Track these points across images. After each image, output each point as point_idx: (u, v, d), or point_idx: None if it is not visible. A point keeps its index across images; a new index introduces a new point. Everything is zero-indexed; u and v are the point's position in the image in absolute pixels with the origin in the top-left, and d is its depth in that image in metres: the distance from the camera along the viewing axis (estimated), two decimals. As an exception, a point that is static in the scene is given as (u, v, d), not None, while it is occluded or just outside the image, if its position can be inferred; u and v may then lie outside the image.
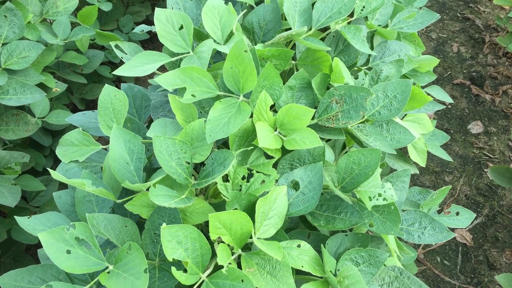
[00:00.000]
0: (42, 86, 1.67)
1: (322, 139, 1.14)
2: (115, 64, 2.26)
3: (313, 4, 1.30)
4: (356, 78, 1.45)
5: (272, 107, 1.17)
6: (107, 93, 1.15)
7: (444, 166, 2.28)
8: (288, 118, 1.05)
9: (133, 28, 2.27)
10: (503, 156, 2.32)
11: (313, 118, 1.15)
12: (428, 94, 1.79)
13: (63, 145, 1.17)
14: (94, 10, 1.84)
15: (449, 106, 2.54)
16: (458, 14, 3.04)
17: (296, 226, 1.20)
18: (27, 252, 1.85)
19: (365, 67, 1.48)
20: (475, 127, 2.44)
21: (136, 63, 1.15)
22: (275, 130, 1.07)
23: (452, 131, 2.45)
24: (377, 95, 1.23)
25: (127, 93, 1.37)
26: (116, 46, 1.23)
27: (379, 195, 0.97)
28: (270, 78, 1.09)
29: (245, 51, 1.02)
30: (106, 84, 1.16)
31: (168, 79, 1.05)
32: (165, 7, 1.38)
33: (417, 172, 1.52)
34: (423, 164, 1.55)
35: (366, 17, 1.49)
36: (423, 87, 1.74)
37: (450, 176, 2.25)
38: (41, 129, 1.71)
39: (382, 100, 1.23)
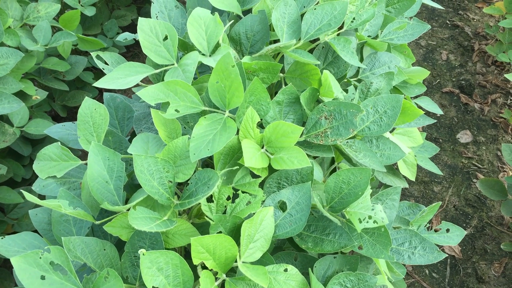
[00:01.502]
0: (21, 93, 1.61)
1: (310, 156, 1.11)
2: (99, 69, 2.20)
3: (302, 15, 1.26)
4: (346, 91, 1.42)
5: (259, 122, 1.13)
6: (87, 106, 1.11)
7: (433, 176, 2.26)
8: (275, 136, 1.01)
9: (118, 33, 2.21)
10: (491, 166, 2.30)
11: (301, 135, 1.12)
12: (418, 106, 1.77)
13: (41, 160, 1.12)
14: (77, 14, 1.78)
15: (438, 115, 2.52)
16: (448, 22, 3.02)
17: (283, 244, 1.16)
18: (5, 266, 1.79)
19: (355, 79, 1.45)
20: (464, 137, 2.43)
21: (118, 75, 1.11)
22: (262, 148, 1.03)
23: (441, 140, 2.43)
24: (367, 110, 1.20)
25: (110, 104, 1.32)
26: (97, 57, 1.18)
27: (369, 217, 0.94)
28: (257, 93, 1.05)
29: (232, 66, 0.98)
30: (86, 97, 1.11)
31: (151, 93, 1.01)
32: (150, 14, 1.34)
33: (407, 186, 1.49)
34: (412, 178, 1.52)
35: (356, 28, 1.46)
36: (413, 98, 1.71)
37: (439, 186, 2.23)
38: (20, 138, 1.65)
39: (372, 115, 1.20)
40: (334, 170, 1.32)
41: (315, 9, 1.24)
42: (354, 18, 1.36)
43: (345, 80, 1.43)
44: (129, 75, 1.12)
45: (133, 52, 2.64)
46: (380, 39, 1.47)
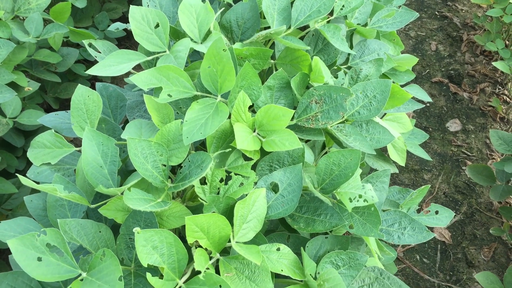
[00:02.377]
0: (13, 85, 1.62)
1: (301, 139, 1.13)
2: (91, 62, 2.20)
3: (292, 3, 1.28)
4: (336, 77, 1.44)
5: (251, 107, 1.15)
6: (80, 94, 1.12)
7: (423, 164, 2.29)
8: (267, 119, 1.03)
9: (108, 25, 2.22)
10: (480, 154, 2.34)
11: (292, 119, 1.14)
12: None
13: (35, 147, 1.13)
14: (67, 6, 1.78)
15: (428, 105, 2.55)
16: (436, 12, 3.05)
17: (276, 228, 1.18)
18: (0, 257, 1.80)
19: (345, 66, 1.47)
20: (453, 125, 2.46)
21: (110, 62, 1.12)
22: (254, 131, 1.05)
23: (430, 129, 2.46)
24: (356, 95, 1.22)
25: (102, 93, 1.33)
26: (90, 45, 1.19)
27: (360, 196, 0.96)
28: (248, 78, 1.07)
29: (223, 50, 1.00)
30: (79, 84, 1.12)
31: (144, 78, 1.02)
32: (142, 5, 1.35)
33: (397, 171, 1.52)
34: (402, 163, 1.54)
35: (346, 16, 1.48)
36: (402, 86, 1.74)
37: (429, 174, 2.26)
38: (13, 130, 1.66)
39: (361, 100, 1.22)
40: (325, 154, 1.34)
41: (304, -4, 1.26)
42: (343, 6, 1.38)
43: (335, 67, 1.45)
44: (122, 62, 1.13)
45: (125, 46, 2.65)
46: (369, 26, 1.50)
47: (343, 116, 1.11)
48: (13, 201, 1.59)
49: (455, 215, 2.12)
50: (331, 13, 1.38)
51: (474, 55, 2.79)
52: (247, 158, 1.03)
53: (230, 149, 1.01)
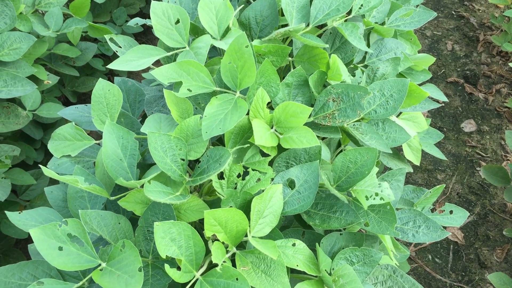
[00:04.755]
0: (33, 78, 1.64)
1: (318, 137, 1.13)
2: (108, 57, 2.23)
3: (311, 1, 1.29)
4: (353, 75, 1.44)
5: (268, 104, 1.16)
6: (101, 87, 1.14)
7: (436, 164, 2.29)
8: (284, 116, 1.04)
9: (127, 21, 2.24)
10: (495, 155, 2.33)
11: (309, 116, 1.14)
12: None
13: (55, 139, 1.15)
14: (87, 2, 1.81)
15: (443, 105, 2.54)
16: (453, 12, 3.03)
17: (290, 224, 1.19)
18: (17, 246, 1.83)
19: (362, 65, 1.47)
20: (468, 126, 2.45)
21: (130, 57, 1.14)
22: (272, 128, 1.06)
23: (445, 129, 2.45)
24: (373, 94, 1.22)
25: (121, 87, 1.35)
26: (111, 39, 1.21)
27: (376, 194, 0.97)
28: (267, 75, 1.08)
29: (246, 46, 1.01)
30: (100, 78, 1.14)
31: (164, 72, 1.04)
32: (161, 0, 1.37)
33: (411, 170, 1.52)
34: (417, 162, 1.54)
35: (363, 14, 1.48)
36: (418, 85, 1.74)
37: (443, 174, 2.25)
38: (32, 122, 1.68)
39: (378, 99, 1.22)
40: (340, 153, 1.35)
41: (323, -6, 1.26)
42: (362, 5, 1.38)
43: (352, 65, 1.46)
44: (142, 57, 1.15)
45: (141, 41, 2.67)
46: (387, 25, 1.50)
47: (360, 115, 1.12)
48: (31, 192, 1.62)
49: (468, 216, 2.11)
50: (349, 12, 1.39)
51: (490, 56, 2.77)
52: (264, 154, 1.04)
53: (248, 145, 1.02)
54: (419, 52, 2.87)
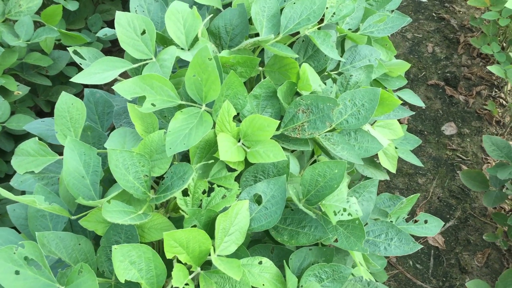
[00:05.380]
0: (2, 89, 1.61)
1: (287, 150, 1.11)
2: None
3: (282, 10, 1.27)
4: (326, 84, 1.42)
5: (236, 117, 1.14)
6: (64, 101, 1.11)
7: (417, 168, 2.28)
8: (251, 129, 1.02)
9: (102, 27, 2.20)
10: (476, 158, 2.32)
11: (278, 128, 1.12)
12: (400, 99, 1.78)
13: (19, 155, 1.12)
14: (59, 9, 1.77)
15: (423, 107, 2.53)
16: (434, 14, 3.03)
17: (263, 237, 1.17)
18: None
19: (335, 72, 1.45)
20: (449, 129, 2.44)
21: (95, 69, 1.11)
22: (239, 141, 1.04)
23: (425, 132, 2.44)
24: (345, 104, 1.21)
25: (89, 99, 1.32)
26: (74, 52, 1.18)
27: (344, 209, 0.95)
28: (234, 87, 1.05)
29: (209, 59, 0.99)
30: (63, 92, 1.11)
31: (127, 87, 1.01)
32: (130, 6, 1.34)
33: (388, 178, 1.50)
34: (393, 170, 1.53)
35: (337, 22, 1.46)
36: (394, 91, 1.72)
37: (423, 178, 2.24)
38: (2, 134, 1.65)
39: (350, 109, 1.21)
40: (314, 163, 1.33)
41: (294, 3, 1.24)
42: (334, 13, 1.36)
43: (326, 73, 1.44)
44: (107, 70, 1.12)
45: (119, 46, 2.63)
46: (361, 32, 1.48)
47: (331, 126, 1.10)
48: (2, 206, 1.58)
49: (448, 220, 2.11)
50: (321, 20, 1.37)
51: (471, 58, 2.77)
52: (231, 169, 1.02)
53: (214, 160, 1.00)
54: (400, 54, 2.87)
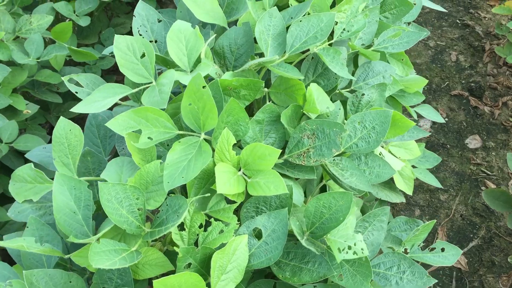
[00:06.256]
0: (11, 108, 1.60)
1: (291, 178, 1.06)
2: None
3: (288, 27, 1.21)
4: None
5: (238, 143, 1.09)
6: (62, 127, 1.07)
7: (439, 183, 2.18)
8: (252, 158, 0.97)
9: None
10: (501, 173, 2.21)
11: (283, 154, 1.07)
12: (418, 114, 1.70)
13: (16, 181, 1.09)
14: (69, 26, 1.76)
15: (446, 119, 2.43)
16: (458, 21, 2.92)
17: (265, 269, 1.11)
18: None
19: (348, 90, 1.39)
20: (473, 142, 2.34)
21: (96, 97, 1.08)
22: (239, 170, 0.99)
23: (448, 146, 2.34)
24: (354, 126, 1.15)
25: (92, 122, 1.30)
26: (70, 80, 1.15)
27: (349, 247, 0.89)
28: (234, 113, 1.01)
29: (203, 87, 0.94)
30: (61, 117, 1.08)
31: (121, 122, 0.97)
32: (132, 27, 1.31)
33: (403, 200, 1.43)
34: (410, 192, 1.46)
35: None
36: (412, 107, 1.65)
37: (446, 195, 2.15)
38: (11, 152, 1.63)
39: (360, 132, 1.14)
40: (323, 187, 1.27)
41: (300, 21, 1.19)
42: (344, 29, 1.30)
43: (337, 91, 1.38)
44: (107, 97, 1.09)
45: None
46: (375, 47, 1.41)
47: (341, 150, 1.04)
48: (10, 226, 1.57)
49: (472, 240, 2.01)
50: (332, 35, 1.31)
51: (496, 66, 2.65)
52: (230, 201, 0.97)
53: (210, 194, 0.95)
54: (422, 63, 2.77)
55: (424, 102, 2.50)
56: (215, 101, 1.06)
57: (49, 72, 1.79)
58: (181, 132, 1.00)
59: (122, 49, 1.12)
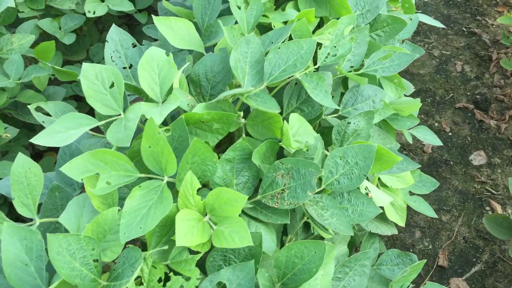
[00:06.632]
0: (-10, 132, 1.55)
1: (262, 222, 0.99)
2: (81, 98, 2.10)
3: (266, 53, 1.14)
4: (322, 132, 1.29)
5: (207, 186, 1.02)
6: (21, 164, 1.01)
7: (441, 203, 2.09)
8: (218, 203, 0.90)
9: (103, 58, 2.13)
10: (506, 192, 2.11)
11: (256, 194, 1.00)
12: (413, 136, 1.61)
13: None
14: (51, 46, 1.70)
15: (450, 134, 2.33)
16: (464, 28, 2.81)
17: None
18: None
19: (335, 115, 1.32)
20: (477, 158, 2.24)
21: (59, 127, 1.01)
22: (205, 216, 0.91)
23: (451, 162, 2.24)
24: (335, 162, 1.07)
25: (65, 151, 1.23)
26: (37, 109, 1.09)
27: (319, 305, 0.81)
28: (200, 153, 0.93)
29: (158, 132, 0.87)
30: (19, 153, 1.02)
31: (77, 166, 0.90)
32: (105, 53, 1.25)
33: (396, 232, 1.35)
34: (402, 223, 1.38)
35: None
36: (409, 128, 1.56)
37: (448, 215, 2.05)
38: (-9, 177, 1.59)
39: (342, 167, 1.07)
40: (307, 223, 1.20)
41: (279, 48, 1.12)
42: (328, 54, 1.23)
43: (323, 117, 1.30)
44: (71, 128, 1.02)
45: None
46: (364, 70, 1.33)
47: (311, 195, 0.96)
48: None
49: (475, 265, 1.91)
50: (315, 62, 1.24)
51: (504, 77, 2.54)
52: (194, 251, 0.89)
53: (172, 244, 0.88)
54: (426, 73, 2.66)
55: (427, 115, 2.41)
56: (180, 140, 0.99)
57: (32, 93, 1.73)
58: (143, 175, 0.93)
59: (90, 78, 1.05)
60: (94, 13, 1.89)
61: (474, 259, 1.90)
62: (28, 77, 1.62)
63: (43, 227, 1.03)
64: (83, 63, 1.06)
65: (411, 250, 1.92)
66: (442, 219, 2.02)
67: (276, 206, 0.97)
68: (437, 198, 2.05)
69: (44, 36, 1.97)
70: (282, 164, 0.98)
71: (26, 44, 1.69)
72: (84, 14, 1.90)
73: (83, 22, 2.00)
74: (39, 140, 0.99)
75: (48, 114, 1.12)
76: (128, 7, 1.97)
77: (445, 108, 2.42)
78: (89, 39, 2.18)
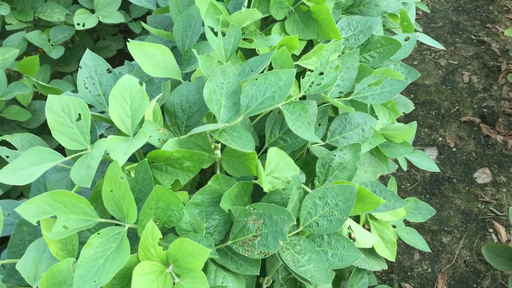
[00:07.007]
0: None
1: (229, 271, 0.93)
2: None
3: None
4: (307, 163, 1.23)
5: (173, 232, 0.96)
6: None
7: (442, 223, 2.00)
8: (181, 254, 0.84)
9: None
10: None
11: (227, 240, 0.94)
12: (408, 161, 1.54)
13: None
14: (35, 60, 1.66)
15: (454, 149, 2.24)
16: (473, 36, 2.70)
17: None
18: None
19: (321, 144, 1.25)
20: (482, 176, 2.14)
21: (21, 163, 0.97)
22: (169, 266, 0.86)
23: (455, 180, 2.15)
24: (314, 202, 1.01)
25: (39, 179, 1.19)
26: (2, 143, 1.04)
27: None
28: (164, 198, 0.88)
29: (121, 177, 0.81)
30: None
31: (34, 207, 0.85)
32: (77, 79, 1.20)
33: (385, 267, 1.28)
34: (392, 258, 1.31)
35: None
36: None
37: (449, 237, 1.96)
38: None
39: (321, 209, 1.00)
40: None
41: (256, 79, 1.05)
42: (312, 82, 1.16)
43: (309, 145, 1.24)
44: (35, 164, 0.97)
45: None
46: (353, 96, 1.27)
47: (282, 244, 0.90)
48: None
49: (475, 291, 1.82)
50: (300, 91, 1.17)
51: (513, 89, 2.44)
52: (154, 306, 0.84)
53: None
54: (431, 84, 2.56)
55: (431, 129, 2.32)
56: (144, 183, 0.94)
57: (17, 109, 1.69)
58: (103, 220, 0.87)
59: (56, 110, 1.01)
60: (83, 25, 1.84)
61: (475, 285, 1.82)
62: (11, 95, 1.57)
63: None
64: (49, 95, 1.01)
65: (409, 274, 1.85)
66: (442, 240, 1.94)
67: (246, 255, 0.90)
68: (439, 218, 1.97)
69: (33, 48, 1.93)
70: (254, 209, 0.92)
71: (9, 58, 1.64)
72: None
73: (75, 32, 1.95)
74: (2, 177, 0.95)
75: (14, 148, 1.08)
76: (119, 19, 1.91)
77: (450, 122, 2.33)
78: (82, 49, 2.13)
